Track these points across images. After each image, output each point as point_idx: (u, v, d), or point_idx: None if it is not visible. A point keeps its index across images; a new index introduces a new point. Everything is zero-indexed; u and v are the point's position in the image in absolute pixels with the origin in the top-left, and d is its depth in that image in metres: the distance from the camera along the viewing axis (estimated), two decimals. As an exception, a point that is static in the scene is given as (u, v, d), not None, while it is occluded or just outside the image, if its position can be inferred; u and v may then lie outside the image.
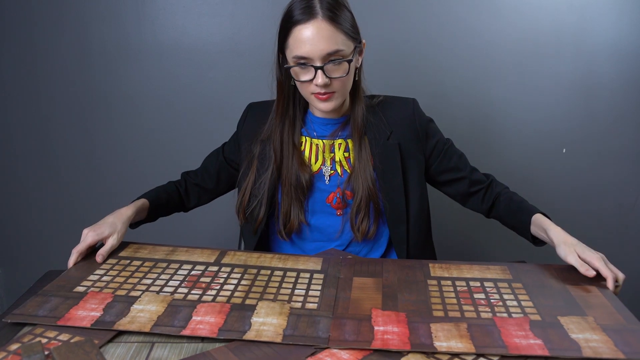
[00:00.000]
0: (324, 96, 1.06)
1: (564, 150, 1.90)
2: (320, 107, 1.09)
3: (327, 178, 1.17)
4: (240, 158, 1.24)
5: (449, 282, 0.96)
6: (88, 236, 1.05)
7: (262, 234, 1.19)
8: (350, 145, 1.17)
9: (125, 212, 1.13)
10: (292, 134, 1.17)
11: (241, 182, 1.20)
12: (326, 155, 1.17)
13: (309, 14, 1.01)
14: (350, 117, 1.16)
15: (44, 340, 0.78)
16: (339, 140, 1.17)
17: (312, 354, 0.75)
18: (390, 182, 1.15)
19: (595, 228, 1.93)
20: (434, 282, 0.96)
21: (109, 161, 1.87)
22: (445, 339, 0.77)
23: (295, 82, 1.09)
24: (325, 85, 1.04)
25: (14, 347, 0.77)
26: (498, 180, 1.24)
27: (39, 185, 1.90)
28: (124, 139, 1.86)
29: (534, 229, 1.13)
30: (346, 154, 1.17)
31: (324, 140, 1.18)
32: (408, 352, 0.76)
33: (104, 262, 1.04)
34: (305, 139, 1.19)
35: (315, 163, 1.17)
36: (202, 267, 1.02)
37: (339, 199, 1.16)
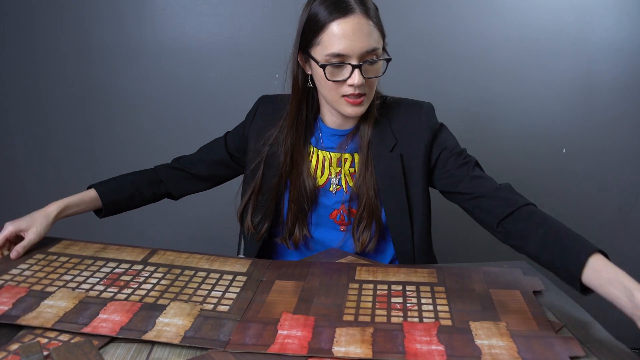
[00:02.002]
0: (358, 99, 0.99)
1: (564, 150, 1.90)
2: (349, 112, 1.02)
3: (333, 193, 1.12)
4: (244, 153, 1.19)
5: (371, 286, 0.96)
6: (6, 228, 1.03)
7: (263, 240, 1.16)
8: (356, 159, 1.11)
9: (50, 208, 1.08)
10: (302, 142, 1.11)
11: (246, 186, 1.16)
12: (332, 169, 1.12)
13: (345, 9, 0.94)
14: (358, 126, 1.10)
15: (44, 341, 0.79)
16: (346, 155, 1.12)
17: (311, 357, 0.75)
18: (394, 197, 1.09)
19: (595, 228, 1.93)
20: (356, 285, 0.96)
21: (109, 161, 1.87)
22: (346, 344, 0.78)
23: (323, 84, 1.01)
24: (360, 86, 0.98)
25: (14, 347, 0.77)
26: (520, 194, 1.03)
27: (39, 185, 1.90)
28: (124, 139, 1.86)
29: (589, 275, 0.81)
30: (352, 169, 1.12)
31: (331, 153, 1.12)
32: None
33: (21, 257, 1.02)
34: (313, 150, 1.13)
35: (322, 176, 1.13)
36: (126, 266, 1.02)
37: (342, 217, 1.12)
